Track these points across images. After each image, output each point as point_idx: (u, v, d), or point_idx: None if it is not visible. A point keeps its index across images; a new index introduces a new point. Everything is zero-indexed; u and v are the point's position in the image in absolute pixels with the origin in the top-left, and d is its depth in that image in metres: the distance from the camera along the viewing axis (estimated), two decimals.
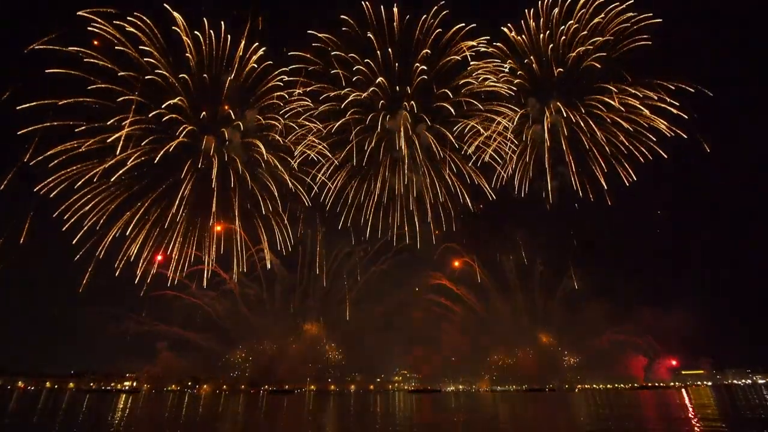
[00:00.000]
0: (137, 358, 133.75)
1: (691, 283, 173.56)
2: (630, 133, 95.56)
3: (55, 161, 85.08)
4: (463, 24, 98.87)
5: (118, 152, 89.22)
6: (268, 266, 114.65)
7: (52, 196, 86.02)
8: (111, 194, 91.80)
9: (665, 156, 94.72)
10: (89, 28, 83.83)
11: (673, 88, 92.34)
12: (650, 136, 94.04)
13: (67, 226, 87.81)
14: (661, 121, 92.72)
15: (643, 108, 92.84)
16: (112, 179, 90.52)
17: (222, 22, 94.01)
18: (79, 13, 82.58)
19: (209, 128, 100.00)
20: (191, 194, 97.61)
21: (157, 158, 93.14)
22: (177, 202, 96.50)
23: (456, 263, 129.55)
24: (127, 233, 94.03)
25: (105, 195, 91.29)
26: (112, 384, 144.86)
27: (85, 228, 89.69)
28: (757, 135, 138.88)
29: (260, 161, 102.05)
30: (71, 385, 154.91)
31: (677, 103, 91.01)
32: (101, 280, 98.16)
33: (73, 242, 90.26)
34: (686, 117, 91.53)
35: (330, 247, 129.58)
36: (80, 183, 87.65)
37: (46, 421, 31.37)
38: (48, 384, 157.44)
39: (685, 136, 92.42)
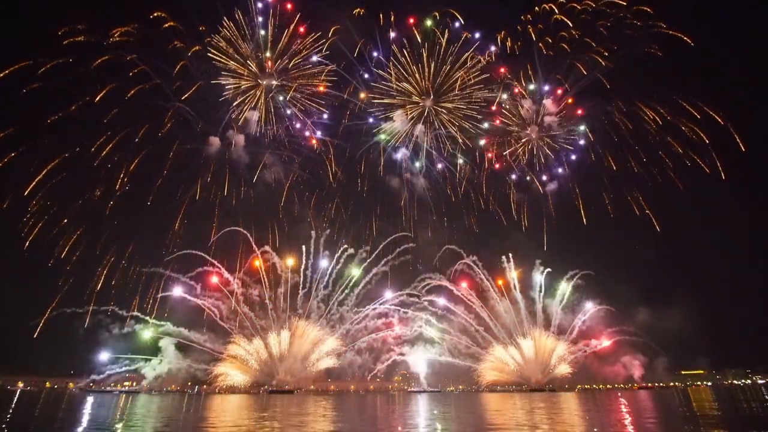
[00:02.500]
0: (138, 359, 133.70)
1: (690, 283, 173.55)
2: (638, 152, 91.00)
3: (34, 200, 79.37)
4: (467, 33, 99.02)
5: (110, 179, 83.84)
6: (271, 268, 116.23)
7: (25, 247, 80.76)
8: (94, 234, 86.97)
9: (681, 187, 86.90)
10: (70, 39, 79.33)
11: (698, 117, 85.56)
12: (663, 155, 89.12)
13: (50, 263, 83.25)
14: (669, 138, 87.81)
15: (651, 124, 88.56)
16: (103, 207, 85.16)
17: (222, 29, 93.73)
18: (66, 42, 76.95)
19: (213, 132, 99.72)
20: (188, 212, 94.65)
21: (154, 186, 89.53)
22: (169, 237, 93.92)
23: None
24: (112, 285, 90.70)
25: (86, 233, 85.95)
26: (113, 384, 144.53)
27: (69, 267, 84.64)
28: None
29: (264, 165, 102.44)
30: (71, 385, 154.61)
31: (691, 125, 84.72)
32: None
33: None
34: (700, 141, 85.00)
35: (332, 248, 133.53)
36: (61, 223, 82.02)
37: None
38: (48, 384, 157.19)
39: (707, 170, 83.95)
